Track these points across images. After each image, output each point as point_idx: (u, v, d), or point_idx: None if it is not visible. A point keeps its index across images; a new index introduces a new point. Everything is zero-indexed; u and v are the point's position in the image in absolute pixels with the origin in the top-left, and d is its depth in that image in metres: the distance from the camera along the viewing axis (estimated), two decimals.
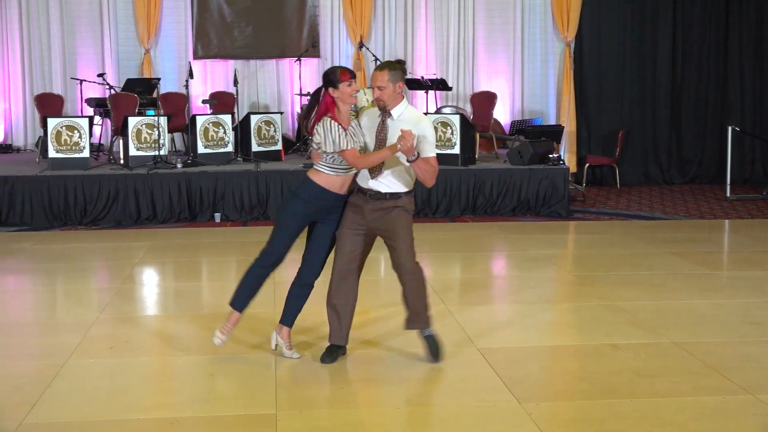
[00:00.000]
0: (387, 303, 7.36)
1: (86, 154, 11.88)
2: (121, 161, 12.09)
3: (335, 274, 5.82)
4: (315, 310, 6.22)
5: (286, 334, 5.95)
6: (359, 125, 5.87)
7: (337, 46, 15.13)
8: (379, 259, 9.54)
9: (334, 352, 5.89)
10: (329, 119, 5.66)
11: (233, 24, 15.00)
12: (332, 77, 5.72)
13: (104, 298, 7.74)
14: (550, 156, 12.30)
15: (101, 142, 14.08)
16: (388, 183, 5.72)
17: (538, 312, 7.19)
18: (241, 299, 5.90)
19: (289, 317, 5.95)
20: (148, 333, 6.68)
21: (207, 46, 14.97)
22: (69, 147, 11.78)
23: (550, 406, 5.10)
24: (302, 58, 14.30)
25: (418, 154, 5.53)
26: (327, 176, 5.69)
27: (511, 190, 11.94)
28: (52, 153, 11.77)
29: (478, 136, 12.98)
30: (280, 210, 5.98)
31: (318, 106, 5.77)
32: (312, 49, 14.69)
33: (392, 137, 5.61)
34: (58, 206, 11.37)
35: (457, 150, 11.95)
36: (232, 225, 11.31)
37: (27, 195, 11.32)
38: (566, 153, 14.64)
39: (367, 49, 14.57)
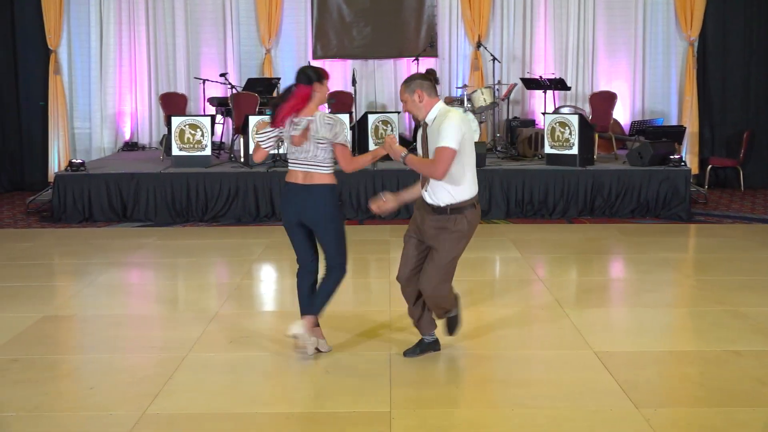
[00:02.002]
0: (501, 304, 7.33)
1: (208, 152, 12.16)
2: (242, 159, 12.33)
3: (402, 280, 5.85)
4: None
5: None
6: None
7: (455, 46, 15.10)
8: (494, 260, 9.51)
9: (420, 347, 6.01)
10: (321, 112, 5.76)
11: (352, 24, 15.12)
12: (320, 73, 5.83)
13: (224, 293, 7.91)
14: (671, 157, 12.04)
15: (222, 140, 14.37)
16: (433, 194, 5.63)
17: (657, 316, 7.05)
18: (321, 308, 6.00)
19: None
20: (266, 328, 6.80)
21: (326, 46, 15.12)
22: (192, 145, 12.07)
23: (668, 412, 5.00)
24: (420, 58, 14.32)
25: (406, 155, 5.55)
26: (333, 175, 5.86)
27: (630, 192, 11.74)
28: (175, 151, 12.09)
29: (596, 136, 12.80)
30: (336, 223, 5.89)
31: (293, 99, 5.77)
32: (430, 48, 14.68)
33: (430, 142, 5.59)
34: (180, 203, 11.67)
35: (575, 150, 11.81)
36: (348, 223, 11.40)
37: (151, 191, 11.65)
38: (688, 154, 14.32)
39: (485, 48, 14.50)
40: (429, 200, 5.62)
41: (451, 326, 6.10)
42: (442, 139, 5.43)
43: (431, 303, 5.80)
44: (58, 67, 14.78)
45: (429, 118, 5.61)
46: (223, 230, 11.06)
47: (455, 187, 5.55)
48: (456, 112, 5.60)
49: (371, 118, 12.65)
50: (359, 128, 12.71)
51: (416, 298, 5.85)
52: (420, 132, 5.73)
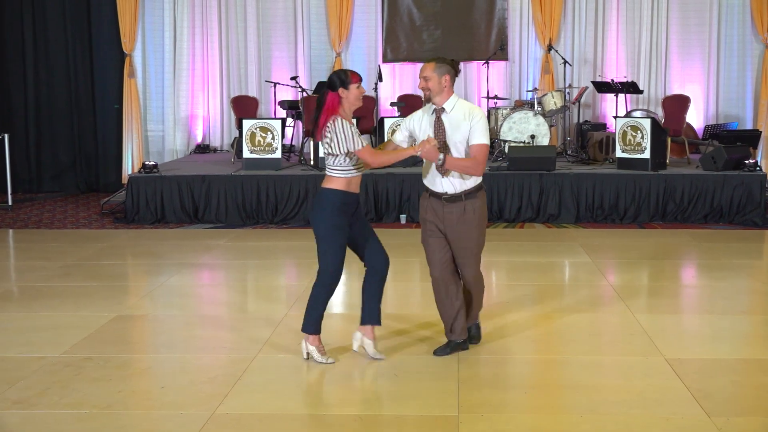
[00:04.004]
0: (570, 309, 7.27)
1: (278, 154, 12.25)
2: (311, 162, 12.40)
3: (434, 284, 6.05)
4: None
5: (372, 333, 6.05)
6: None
7: (526, 49, 15.02)
8: (564, 264, 9.43)
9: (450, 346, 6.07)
10: (339, 118, 5.66)
11: (422, 27, 15.13)
12: (344, 78, 5.70)
13: (293, 294, 7.96)
14: (746, 162, 11.82)
15: (293, 143, 14.49)
16: (454, 182, 5.79)
17: (730, 323, 6.93)
18: (313, 323, 5.99)
19: (375, 314, 6.05)
20: (335, 330, 6.82)
21: (396, 49, 15.15)
22: (262, 148, 12.18)
23: (741, 421, 4.91)
24: (490, 61, 14.28)
25: (444, 158, 5.62)
26: (345, 179, 5.82)
27: (703, 197, 11.55)
28: (246, 153, 12.21)
29: (669, 140, 12.62)
30: (322, 225, 5.90)
31: (323, 107, 5.73)
32: (500, 51, 14.63)
33: (450, 130, 5.72)
34: (251, 205, 11.78)
35: (647, 155, 11.66)
36: (417, 227, 11.37)
37: (222, 193, 11.79)
38: (763, 159, 14.05)
39: (556, 51, 14.41)
40: (446, 189, 5.79)
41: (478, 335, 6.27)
42: (479, 136, 5.68)
43: (477, 290, 6.07)
44: (133, 70, 15.04)
45: (448, 105, 5.76)
46: (292, 232, 11.14)
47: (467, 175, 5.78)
48: (475, 106, 5.86)
49: (387, 122, 12.52)
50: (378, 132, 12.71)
51: (456, 292, 5.99)
52: (431, 117, 5.81)
